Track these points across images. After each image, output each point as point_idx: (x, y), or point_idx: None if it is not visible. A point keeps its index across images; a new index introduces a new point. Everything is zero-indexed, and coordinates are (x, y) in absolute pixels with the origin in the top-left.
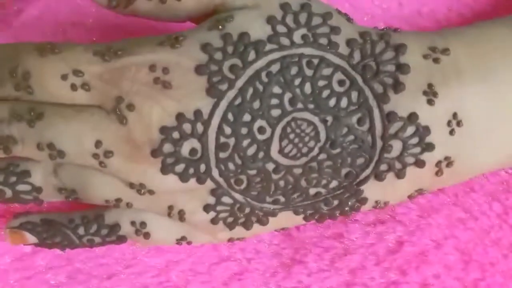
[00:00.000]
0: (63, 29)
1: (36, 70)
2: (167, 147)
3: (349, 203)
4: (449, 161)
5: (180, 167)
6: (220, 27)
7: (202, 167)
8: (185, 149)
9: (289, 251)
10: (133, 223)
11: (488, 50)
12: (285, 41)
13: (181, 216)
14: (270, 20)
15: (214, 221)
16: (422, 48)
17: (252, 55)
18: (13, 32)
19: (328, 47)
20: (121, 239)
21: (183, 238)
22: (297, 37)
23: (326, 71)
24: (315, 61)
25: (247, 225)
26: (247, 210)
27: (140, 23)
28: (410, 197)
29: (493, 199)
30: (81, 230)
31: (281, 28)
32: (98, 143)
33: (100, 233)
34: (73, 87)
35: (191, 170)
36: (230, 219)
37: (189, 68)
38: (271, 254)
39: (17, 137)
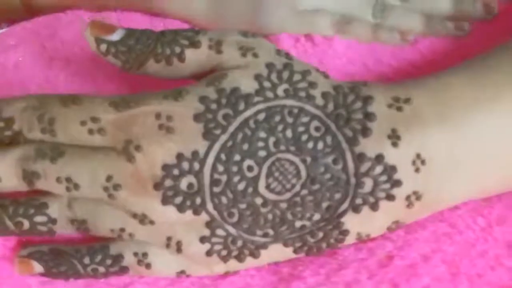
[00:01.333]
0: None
1: (60, 117)
2: (168, 182)
3: (333, 234)
4: (417, 195)
5: (178, 199)
6: (216, 83)
7: (198, 200)
8: (183, 184)
9: (288, 268)
10: (135, 254)
11: (445, 98)
12: (270, 94)
13: (179, 247)
14: (257, 77)
15: (209, 253)
16: (387, 99)
17: (242, 105)
18: (47, 51)
19: (306, 99)
20: (123, 270)
21: (182, 272)
22: (280, 91)
23: (305, 119)
24: (295, 110)
25: (240, 258)
26: (240, 243)
27: None
28: (389, 229)
29: (476, 214)
30: (86, 260)
31: (266, 84)
32: (109, 178)
33: (104, 263)
34: (91, 131)
35: (188, 202)
36: (224, 252)
37: (188, 116)
38: (272, 271)
39: (40, 172)
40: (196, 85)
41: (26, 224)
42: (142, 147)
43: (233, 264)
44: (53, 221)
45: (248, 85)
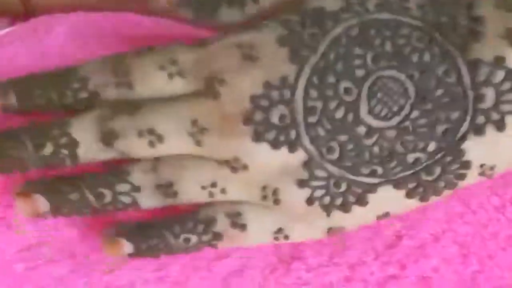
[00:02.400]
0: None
1: (136, 65)
2: (258, 115)
3: (453, 169)
4: None
5: (271, 134)
6: (297, 7)
7: (293, 134)
8: (275, 116)
9: (288, 247)
10: (228, 215)
11: None
12: (360, 9)
13: (276, 197)
14: None
15: (310, 200)
16: (492, 1)
17: (330, 23)
18: (43, 45)
19: (402, 11)
20: (217, 237)
21: (279, 230)
22: (371, 5)
23: (404, 31)
24: (392, 23)
25: (345, 208)
26: (344, 186)
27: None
28: None
29: (491, 193)
30: (177, 229)
31: (354, 1)
32: (194, 122)
33: (196, 230)
34: (170, 76)
35: (282, 137)
36: (326, 199)
37: (272, 42)
38: (271, 251)
39: (119, 130)
40: (275, 15)
41: (108, 195)
42: (226, 81)
43: (337, 217)
44: (137, 188)
45: (333, 3)
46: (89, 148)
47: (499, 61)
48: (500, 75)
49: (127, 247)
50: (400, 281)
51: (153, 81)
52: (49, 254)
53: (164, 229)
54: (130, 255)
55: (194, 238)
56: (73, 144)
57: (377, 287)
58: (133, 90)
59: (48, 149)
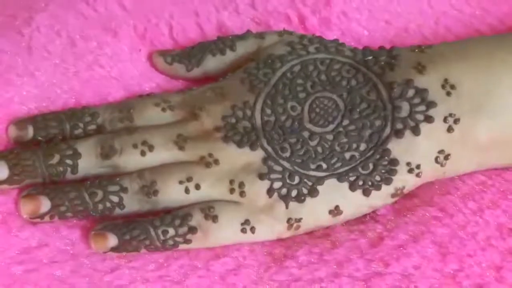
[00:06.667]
0: (72, 38)
1: (138, 104)
2: (228, 126)
3: (383, 164)
4: (455, 118)
5: (237, 137)
6: (255, 58)
7: (253, 137)
8: (240, 127)
9: (281, 249)
10: (202, 209)
11: (466, 44)
12: (302, 52)
13: (242, 190)
14: (290, 43)
15: (269, 191)
16: (410, 49)
17: (278, 64)
18: (25, 39)
19: (336, 52)
20: (192, 231)
21: (246, 222)
22: (311, 48)
23: (336, 66)
24: (327, 61)
25: (300, 199)
26: (297, 179)
27: None
28: (438, 162)
29: (468, 198)
30: (157, 222)
31: (298, 46)
32: (179, 136)
33: (173, 223)
34: (163, 110)
35: (245, 139)
36: (283, 190)
37: (236, 83)
38: (265, 252)
39: (118, 147)
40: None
41: (100, 194)
42: (205, 107)
43: (294, 208)
44: (124, 189)
45: (281, 50)
46: (89, 161)
47: (409, 82)
48: (411, 92)
49: (112, 239)
50: (384, 277)
51: (149, 113)
52: (50, 256)
53: (145, 222)
54: (113, 249)
55: (171, 231)
56: (76, 155)
57: (363, 282)
58: (133, 122)
59: (56, 158)
